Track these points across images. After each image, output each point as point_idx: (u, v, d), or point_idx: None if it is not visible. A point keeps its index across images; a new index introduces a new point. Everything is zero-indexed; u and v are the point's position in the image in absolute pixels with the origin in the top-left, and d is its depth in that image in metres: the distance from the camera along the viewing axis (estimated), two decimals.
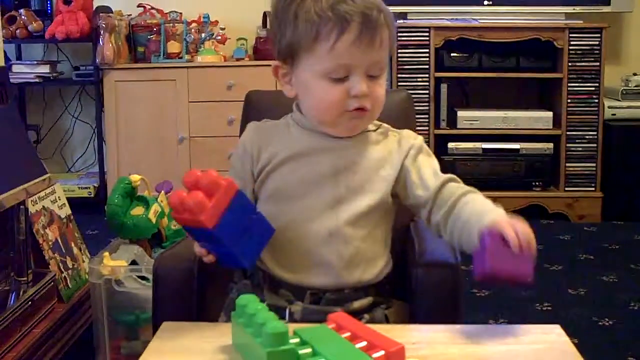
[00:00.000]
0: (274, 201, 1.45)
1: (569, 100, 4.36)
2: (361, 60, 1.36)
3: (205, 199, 1.23)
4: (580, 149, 4.40)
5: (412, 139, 1.51)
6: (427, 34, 4.36)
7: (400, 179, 1.46)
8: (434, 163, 1.49)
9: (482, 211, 1.34)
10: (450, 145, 4.41)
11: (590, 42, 4.31)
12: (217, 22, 4.60)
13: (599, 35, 4.30)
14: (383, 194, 1.45)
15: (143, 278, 2.50)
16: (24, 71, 4.54)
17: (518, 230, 1.25)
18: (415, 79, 4.37)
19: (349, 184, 1.43)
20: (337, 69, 1.37)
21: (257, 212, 1.35)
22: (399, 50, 4.36)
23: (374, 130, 1.51)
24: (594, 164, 4.41)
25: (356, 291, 1.44)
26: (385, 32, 1.38)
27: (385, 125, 1.54)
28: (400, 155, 1.47)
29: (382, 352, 1.04)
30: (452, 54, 4.46)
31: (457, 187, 1.42)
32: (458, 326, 1.30)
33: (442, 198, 1.41)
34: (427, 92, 4.39)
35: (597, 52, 4.31)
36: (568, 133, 4.39)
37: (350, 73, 1.37)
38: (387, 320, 1.48)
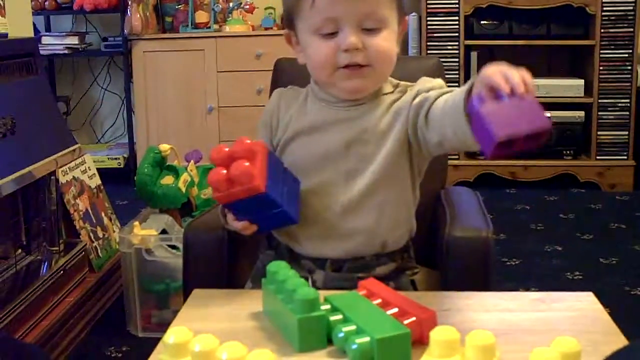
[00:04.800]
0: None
1: (601, 68, 4.30)
2: (346, 12, 1.30)
3: (249, 165, 1.21)
4: (612, 117, 4.35)
5: (427, 82, 1.39)
6: (456, 1, 4.31)
7: (410, 125, 1.36)
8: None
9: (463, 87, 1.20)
10: None
11: (624, 8, 4.23)
12: None
13: (633, 0, 4.22)
14: (395, 156, 1.37)
15: (173, 247, 2.52)
16: (53, 43, 4.56)
17: (506, 73, 1.08)
18: (444, 47, 4.33)
19: (360, 155, 1.37)
20: (324, 24, 1.32)
21: (281, 164, 1.36)
22: (428, 18, 4.32)
23: (392, 92, 1.42)
24: (626, 132, 4.35)
25: (379, 257, 1.40)
26: None
27: (404, 83, 1.43)
28: (408, 101, 1.37)
29: (413, 319, 1.03)
30: (482, 22, 4.40)
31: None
32: (489, 293, 1.29)
33: (437, 102, 1.31)
34: (456, 60, 4.35)
35: (632, 17, 4.24)
36: (600, 101, 4.33)
37: (339, 27, 1.32)
38: (414, 286, 1.47)
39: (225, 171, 1.22)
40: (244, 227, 1.31)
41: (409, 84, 1.42)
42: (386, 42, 1.34)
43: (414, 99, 1.35)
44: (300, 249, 1.41)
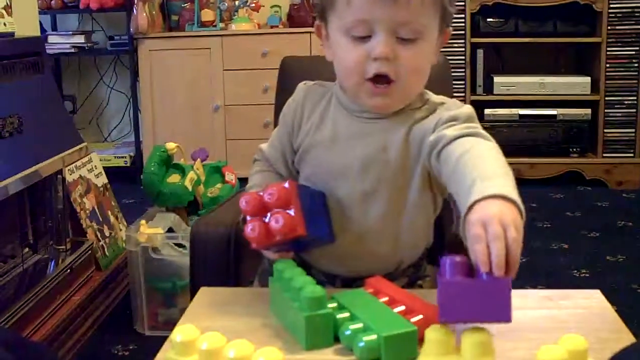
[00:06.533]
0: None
1: (607, 65, 4.29)
2: (382, 16, 1.18)
3: (287, 214, 1.15)
4: (619, 114, 4.34)
5: (453, 108, 1.25)
6: None
7: (425, 158, 1.24)
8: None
9: (469, 185, 1.04)
10: (487, 111, 4.36)
11: (631, 5, 4.22)
12: None
13: None
14: (419, 188, 1.27)
15: (180, 245, 2.52)
16: (59, 42, 4.57)
17: (492, 245, 0.94)
18: (450, 45, 4.32)
19: (379, 177, 1.26)
20: (357, 26, 1.20)
21: (308, 187, 1.29)
22: None
23: (419, 108, 1.28)
24: (633, 130, 4.34)
25: (391, 274, 1.32)
26: None
27: (434, 99, 1.30)
28: (431, 130, 1.23)
29: (420, 316, 1.03)
30: (488, 19, 4.40)
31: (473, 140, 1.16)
32: None
33: (453, 148, 1.16)
34: (463, 57, 4.34)
35: (638, 14, 4.23)
36: (606, 98, 4.32)
37: (372, 32, 1.20)
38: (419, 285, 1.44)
39: (258, 222, 1.16)
40: (281, 256, 1.23)
41: (438, 101, 1.30)
42: (420, 56, 1.23)
43: (434, 129, 1.23)
44: (313, 261, 1.36)
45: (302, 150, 1.34)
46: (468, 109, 1.25)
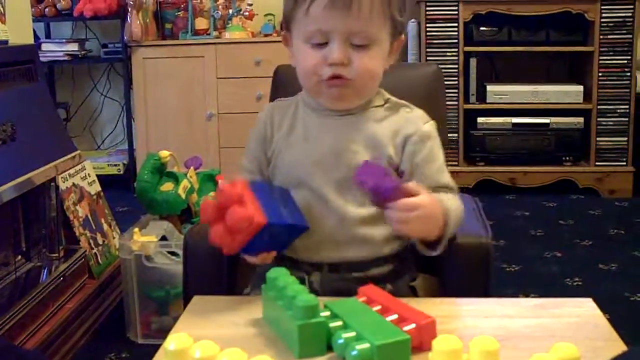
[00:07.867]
0: (285, 187, 1.43)
1: (600, 74, 4.30)
2: (337, 26, 1.33)
3: (241, 208, 1.19)
4: (611, 123, 4.35)
5: (421, 122, 1.43)
6: (455, 7, 4.31)
7: (402, 163, 1.41)
8: (440, 158, 1.43)
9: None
10: (480, 120, 4.37)
11: (623, 14, 4.24)
12: None
13: (631, 6, 4.22)
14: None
15: (173, 254, 2.52)
16: (53, 49, 4.57)
17: (407, 219, 1.23)
18: (444, 54, 4.34)
19: (350, 165, 1.37)
20: (315, 34, 1.35)
21: (264, 184, 1.39)
22: (428, 25, 4.33)
23: (381, 105, 1.45)
24: (625, 138, 4.36)
25: (374, 261, 1.41)
26: (366, 0, 1.33)
27: (395, 99, 1.47)
28: (403, 136, 1.41)
29: (413, 325, 1.03)
30: (481, 28, 4.41)
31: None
32: (489, 299, 1.29)
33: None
34: (456, 66, 4.35)
35: (630, 24, 4.24)
36: (599, 107, 4.34)
37: (329, 39, 1.34)
38: (414, 292, 1.46)
39: (219, 225, 1.20)
40: (263, 259, 1.31)
41: (399, 102, 1.46)
42: (372, 60, 1.37)
43: (408, 138, 1.41)
44: (297, 256, 1.42)
45: (277, 151, 1.46)
46: (433, 125, 1.44)
